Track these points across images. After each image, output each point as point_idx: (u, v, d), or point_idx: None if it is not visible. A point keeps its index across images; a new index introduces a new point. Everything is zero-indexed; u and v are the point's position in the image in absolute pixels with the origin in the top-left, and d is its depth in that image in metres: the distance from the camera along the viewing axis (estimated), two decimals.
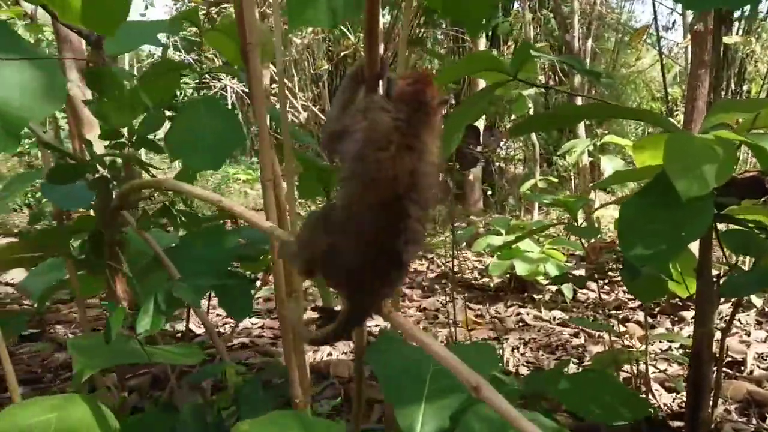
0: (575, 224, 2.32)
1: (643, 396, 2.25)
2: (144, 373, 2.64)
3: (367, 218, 0.86)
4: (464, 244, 5.48)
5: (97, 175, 1.44)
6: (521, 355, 3.05)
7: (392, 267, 0.91)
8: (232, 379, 1.44)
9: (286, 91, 8.00)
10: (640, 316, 3.55)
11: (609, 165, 3.92)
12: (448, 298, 3.03)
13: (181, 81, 1.99)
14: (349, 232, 0.88)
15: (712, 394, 1.83)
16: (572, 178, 7.37)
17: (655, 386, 2.45)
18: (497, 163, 10.56)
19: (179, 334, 2.90)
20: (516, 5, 9.42)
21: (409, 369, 0.93)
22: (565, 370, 2.66)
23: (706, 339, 1.78)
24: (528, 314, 3.78)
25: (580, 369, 2.78)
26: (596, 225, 4.97)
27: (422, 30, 9.57)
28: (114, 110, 1.31)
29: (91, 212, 1.79)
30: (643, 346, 2.41)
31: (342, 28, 8.92)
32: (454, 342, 2.55)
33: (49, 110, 0.85)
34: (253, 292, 1.62)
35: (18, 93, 0.82)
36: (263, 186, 1.15)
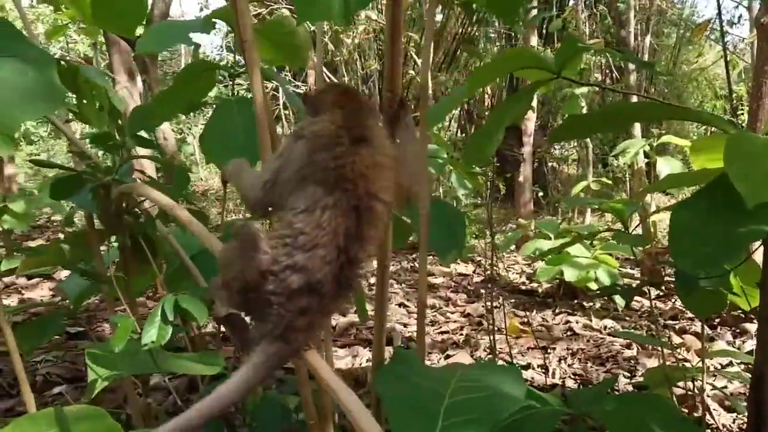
0: (626, 231, 2.18)
1: (699, 416, 2.09)
2: (182, 375, 2.64)
3: (337, 223, 0.82)
4: (513, 247, 5.33)
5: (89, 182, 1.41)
6: (568, 366, 2.91)
7: (350, 283, 0.86)
8: (249, 397, 1.39)
9: None
10: (699, 326, 3.36)
11: (666, 167, 3.72)
12: (491, 305, 2.93)
13: (235, 82, 1.97)
14: (311, 242, 0.82)
15: None
16: (627, 180, 7.10)
17: (713, 405, 2.29)
18: (550, 164, 10.31)
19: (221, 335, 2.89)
20: (571, 1, 9.18)
21: (422, 400, 0.84)
22: (615, 385, 2.53)
23: None
24: (577, 322, 3.63)
25: (632, 384, 2.63)
26: (652, 230, 4.74)
27: (474, 28, 9.44)
28: (93, 112, 1.28)
29: None
30: (701, 361, 2.25)
31: None
32: (494, 351, 2.45)
33: (44, 110, 0.81)
34: None
35: (9, 92, 0.78)
36: None
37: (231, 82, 1.89)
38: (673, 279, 1.67)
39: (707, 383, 2.28)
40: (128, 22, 1.20)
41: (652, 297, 2.67)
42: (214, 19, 1.77)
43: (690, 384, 2.20)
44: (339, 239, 0.82)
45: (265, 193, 0.92)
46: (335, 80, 8.41)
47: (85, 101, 1.23)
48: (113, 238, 1.79)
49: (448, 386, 0.86)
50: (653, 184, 2.04)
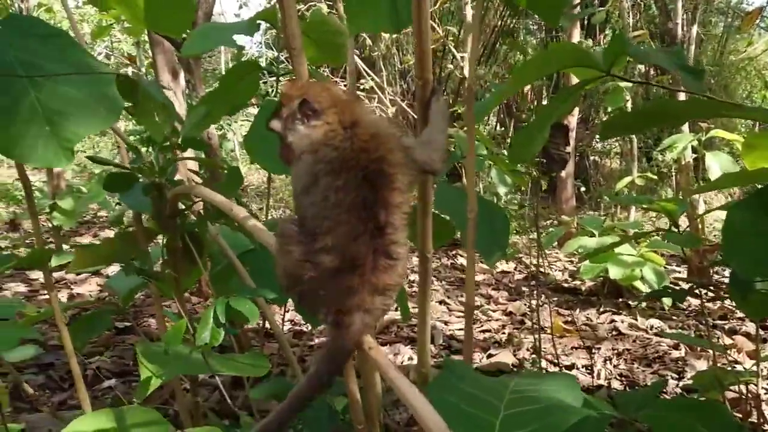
0: (676, 230, 2.12)
1: (754, 422, 2.03)
2: None
3: (352, 197, 0.85)
4: (555, 243, 5.25)
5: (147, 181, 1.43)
6: (614, 367, 2.86)
7: (387, 251, 0.87)
8: None
9: (375, 87, 8.03)
10: (750, 327, 3.26)
11: (715, 162, 3.59)
12: (535, 303, 2.89)
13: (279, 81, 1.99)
14: (334, 221, 0.86)
15: None
16: (673, 174, 6.90)
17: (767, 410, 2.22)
18: (592, 158, 10.11)
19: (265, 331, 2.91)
20: None
21: (477, 411, 0.83)
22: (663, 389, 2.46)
23: None
24: (622, 322, 3.55)
25: (680, 386, 2.56)
26: (700, 227, 4.61)
27: (514, 21, 9.30)
28: (153, 124, 1.31)
29: None
30: (752, 363, 2.17)
31: (430, 22, 8.78)
32: (538, 351, 2.41)
33: (104, 125, 0.83)
34: None
35: (72, 107, 0.80)
36: None
37: (276, 80, 1.90)
38: (722, 277, 1.63)
39: (762, 387, 2.21)
40: (178, 24, 1.24)
41: (702, 297, 2.58)
42: (258, 21, 1.79)
43: (743, 388, 2.13)
44: (359, 211, 0.85)
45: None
46: (373, 75, 8.39)
47: (143, 112, 1.26)
48: (160, 237, 1.83)
49: (502, 397, 0.84)
50: (706, 185, 1.97)
